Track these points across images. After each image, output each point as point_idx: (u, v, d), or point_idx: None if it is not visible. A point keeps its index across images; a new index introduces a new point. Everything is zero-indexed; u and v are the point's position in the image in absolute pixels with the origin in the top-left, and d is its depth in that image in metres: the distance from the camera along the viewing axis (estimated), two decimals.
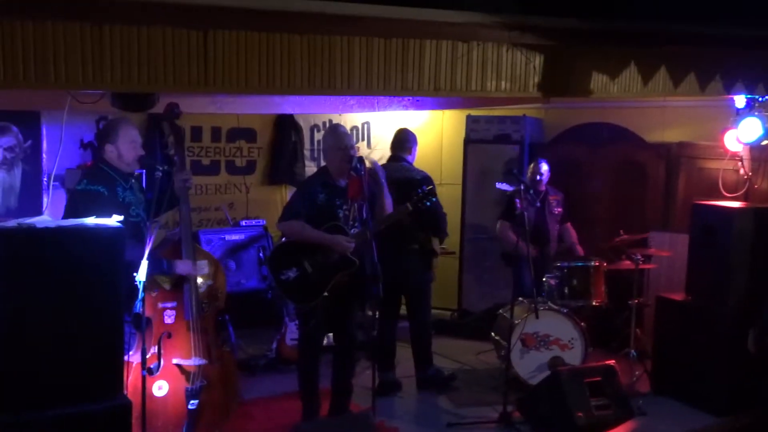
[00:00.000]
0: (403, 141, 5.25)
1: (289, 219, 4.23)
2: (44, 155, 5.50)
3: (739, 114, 5.33)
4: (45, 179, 5.49)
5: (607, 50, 4.21)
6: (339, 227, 4.22)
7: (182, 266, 3.93)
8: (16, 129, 5.44)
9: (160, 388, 3.89)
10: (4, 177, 5.44)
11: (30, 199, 5.47)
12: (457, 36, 3.69)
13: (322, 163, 4.94)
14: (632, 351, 5.15)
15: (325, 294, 4.17)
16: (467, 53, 3.71)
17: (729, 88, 4.75)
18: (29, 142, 5.49)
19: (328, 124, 6.96)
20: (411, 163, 5.24)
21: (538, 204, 5.77)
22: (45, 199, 5.50)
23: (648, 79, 4.31)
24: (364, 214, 4.07)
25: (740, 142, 5.39)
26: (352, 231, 4.25)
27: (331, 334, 4.70)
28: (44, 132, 5.50)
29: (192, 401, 3.91)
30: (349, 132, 4.52)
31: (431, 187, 4.46)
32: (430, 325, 5.41)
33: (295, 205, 4.28)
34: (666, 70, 4.36)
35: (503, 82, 3.90)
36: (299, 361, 4.48)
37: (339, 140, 4.27)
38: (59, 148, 5.13)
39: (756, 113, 5.21)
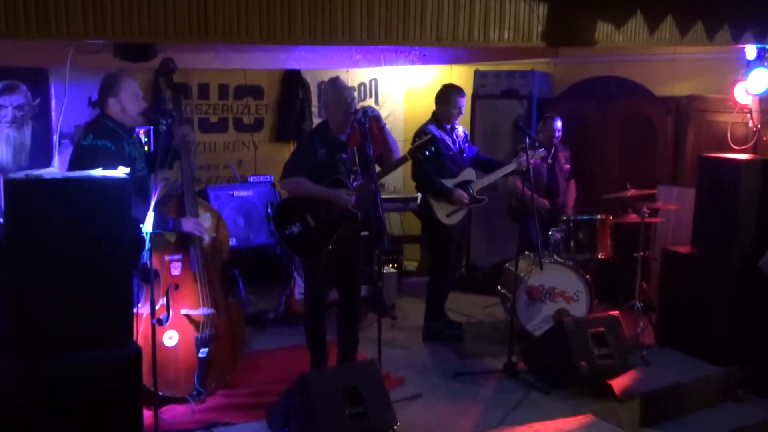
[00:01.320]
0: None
1: (290, 176, 4.25)
2: (53, 113, 5.55)
3: (750, 66, 5.27)
4: (55, 137, 5.55)
5: None
6: (340, 181, 4.25)
7: (187, 224, 3.99)
8: (25, 87, 5.47)
9: (170, 338, 4.00)
10: (15, 135, 5.49)
11: (41, 157, 5.53)
12: None
13: None
14: (637, 303, 5.18)
15: (329, 247, 4.22)
16: (469, 3, 3.68)
17: (738, 38, 4.68)
18: (38, 100, 5.53)
19: None
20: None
21: (550, 161, 5.76)
22: (56, 157, 5.56)
23: (654, 29, 4.25)
24: (362, 168, 4.09)
25: (749, 93, 5.33)
26: (353, 184, 4.28)
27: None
28: (53, 90, 5.53)
29: (202, 350, 4.02)
30: (348, 86, 4.51)
31: (429, 137, 4.45)
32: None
33: (296, 161, 4.30)
34: (672, 18, 4.29)
35: (506, 32, 3.86)
36: (305, 313, 4.56)
37: (339, 93, 4.26)
38: (64, 103, 5.16)
39: (766, 63, 5.14)
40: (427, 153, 4.38)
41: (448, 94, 5.21)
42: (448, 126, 5.21)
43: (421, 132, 5.07)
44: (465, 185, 5.18)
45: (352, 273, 4.46)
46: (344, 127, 4.29)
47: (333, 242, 4.23)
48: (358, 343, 4.56)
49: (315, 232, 4.25)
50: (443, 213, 5.16)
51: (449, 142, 5.20)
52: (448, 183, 5.14)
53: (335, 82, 4.42)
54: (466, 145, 5.38)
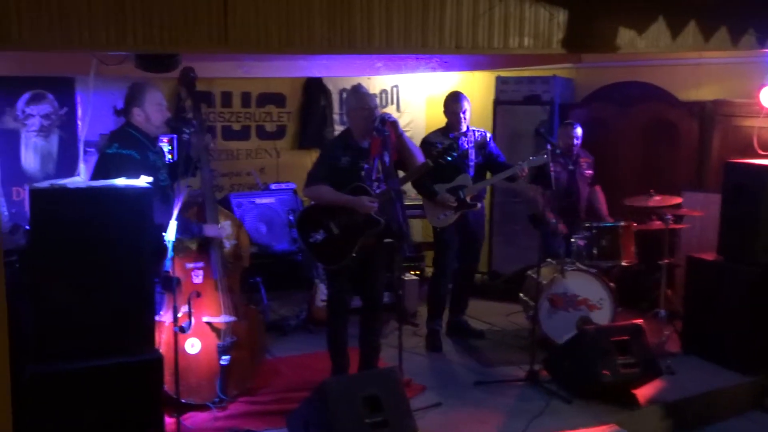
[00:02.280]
0: None
1: (313, 184, 4.27)
2: (79, 122, 5.63)
3: None
4: (80, 145, 5.63)
5: (634, 4, 4.09)
6: (362, 188, 4.25)
7: (209, 229, 4.02)
8: (52, 96, 5.57)
9: (192, 345, 4.02)
10: (42, 144, 5.59)
11: (67, 165, 5.62)
12: None
13: None
14: (662, 311, 5.10)
15: (353, 254, 4.22)
16: (489, 10, 3.66)
17: (763, 42, 4.59)
18: (65, 109, 5.62)
19: None
20: None
21: (571, 167, 5.71)
22: (81, 165, 5.64)
23: (677, 34, 4.18)
24: (384, 174, 4.10)
25: None
26: (376, 191, 4.28)
27: (358, 296, 4.78)
28: (78, 99, 5.62)
29: (224, 357, 4.03)
30: (370, 93, 4.52)
31: (450, 142, 4.48)
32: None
33: (318, 169, 4.31)
34: (696, 23, 4.22)
35: (526, 39, 3.83)
36: (328, 320, 4.55)
37: (361, 101, 4.27)
38: (89, 112, 5.24)
39: None
40: (449, 158, 4.39)
41: (445, 102, 5.32)
42: (454, 133, 5.19)
43: (423, 142, 5.17)
44: (457, 190, 5.13)
45: (374, 280, 4.45)
46: (366, 134, 4.28)
47: (357, 249, 4.23)
48: (380, 350, 4.55)
49: (338, 240, 4.25)
50: (433, 216, 5.24)
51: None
52: (441, 187, 5.13)
53: (357, 89, 4.43)
54: (483, 150, 5.27)
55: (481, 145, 5.28)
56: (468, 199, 5.14)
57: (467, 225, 5.27)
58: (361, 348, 4.51)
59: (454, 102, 5.23)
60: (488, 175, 5.35)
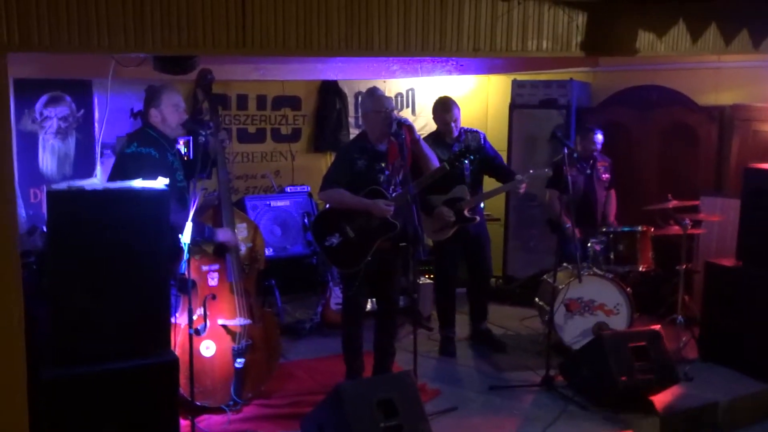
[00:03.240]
0: None
1: (329, 187, 4.26)
2: (96, 124, 5.66)
3: None
4: (97, 147, 5.65)
5: (654, 6, 4.04)
6: (378, 191, 4.24)
7: (223, 234, 4.02)
8: (69, 98, 5.59)
9: (207, 348, 4.02)
10: (60, 146, 5.62)
11: (84, 167, 5.64)
12: None
13: None
14: (680, 317, 5.05)
15: (369, 258, 4.21)
16: (507, 12, 3.63)
17: None
18: (82, 111, 5.65)
19: None
20: None
21: (588, 171, 5.66)
22: (98, 167, 5.66)
23: (697, 37, 4.14)
24: (401, 177, 4.09)
25: None
26: (392, 195, 4.26)
27: (373, 299, 4.77)
28: (96, 101, 5.64)
29: (239, 360, 4.03)
30: (386, 95, 4.53)
31: (467, 145, 4.45)
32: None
33: (334, 173, 4.30)
34: (716, 26, 4.18)
35: (544, 42, 3.81)
36: (343, 323, 4.54)
37: (377, 103, 4.26)
38: (106, 115, 5.27)
39: None
40: (466, 161, 4.36)
41: (433, 108, 5.18)
42: (449, 139, 5.04)
43: None
44: (454, 203, 4.95)
45: (390, 284, 4.44)
46: (383, 137, 4.27)
47: (372, 253, 4.21)
48: (395, 354, 4.53)
49: (354, 243, 4.24)
50: (429, 229, 5.00)
51: (443, 157, 4.78)
52: (436, 200, 4.96)
53: (373, 92, 4.41)
54: (477, 156, 5.03)
55: (476, 150, 5.04)
56: (466, 212, 4.97)
57: (467, 232, 5.09)
58: (376, 352, 4.50)
59: (443, 111, 5.06)
60: (485, 179, 5.22)
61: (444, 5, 3.52)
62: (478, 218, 5.06)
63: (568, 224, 5.08)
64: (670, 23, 4.09)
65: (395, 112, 4.31)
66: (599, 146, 5.60)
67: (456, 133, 5.06)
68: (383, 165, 4.29)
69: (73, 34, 2.73)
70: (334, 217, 4.29)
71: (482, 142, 5.16)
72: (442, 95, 5.33)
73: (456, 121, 5.03)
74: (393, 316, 4.54)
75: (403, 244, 4.29)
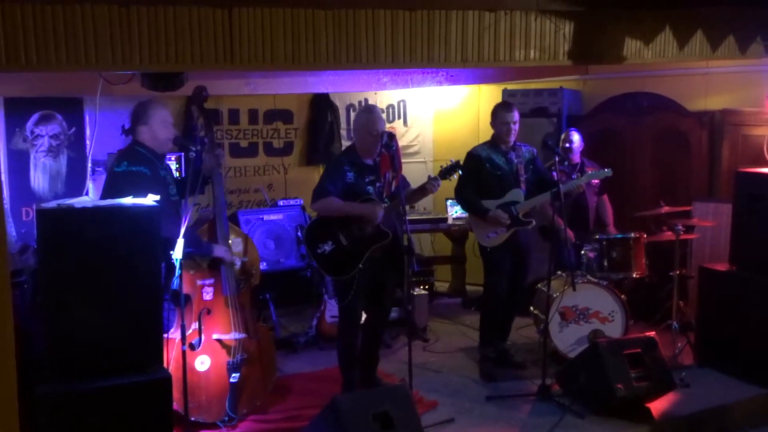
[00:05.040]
0: None
1: (323, 197, 4.28)
2: (88, 141, 5.66)
3: None
4: (89, 165, 5.65)
5: (640, 14, 4.08)
6: (371, 200, 4.29)
7: (219, 250, 4.01)
8: (61, 116, 5.60)
9: (202, 363, 4.00)
10: (51, 164, 5.62)
11: (76, 185, 5.64)
12: (483, 6, 3.64)
13: None
14: (675, 323, 5.05)
15: (360, 266, 4.23)
16: (494, 23, 3.66)
17: None
18: (73, 129, 5.65)
19: (363, 103, 6.97)
20: None
21: (575, 176, 5.67)
22: (89, 184, 5.66)
23: (684, 43, 4.18)
24: (393, 188, 4.13)
25: None
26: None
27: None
28: (87, 119, 5.66)
29: (234, 374, 4.01)
30: (382, 115, 4.65)
31: (454, 162, 4.44)
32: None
33: (326, 183, 4.33)
34: (702, 32, 4.22)
35: (532, 51, 3.83)
36: (339, 334, 4.54)
37: (372, 124, 4.28)
38: (95, 132, 5.28)
39: None
40: (455, 177, 4.38)
41: (493, 111, 4.99)
42: (504, 145, 4.95)
43: (469, 156, 4.98)
44: (508, 206, 4.89)
45: (383, 293, 4.46)
46: (371, 153, 4.36)
47: (364, 261, 4.24)
48: (378, 362, 4.62)
49: (347, 251, 4.27)
50: (482, 234, 4.95)
51: (499, 162, 4.92)
52: (490, 203, 4.89)
53: (372, 110, 4.48)
54: (531, 167, 5.03)
55: (530, 161, 5.04)
56: (521, 215, 4.90)
57: (518, 243, 4.98)
58: (362, 359, 4.53)
59: (502, 110, 4.92)
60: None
61: (431, 17, 3.54)
62: (533, 222, 4.96)
63: (563, 228, 5.05)
64: (656, 30, 4.13)
65: (387, 126, 4.34)
66: (575, 145, 5.61)
67: (512, 140, 4.95)
68: (372, 177, 4.36)
69: (60, 52, 2.75)
70: (327, 226, 4.33)
71: (534, 155, 5.10)
72: (501, 101, 5.24)
73: (515, 123, 4.89)
74: (384, 324, 4.57)
75: (395, 254, 4.32)
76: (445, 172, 4.41)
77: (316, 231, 4.39)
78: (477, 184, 4.92)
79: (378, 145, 4.27)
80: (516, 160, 4.97)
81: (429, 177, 4.38)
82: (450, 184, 4.70)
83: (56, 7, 2.73)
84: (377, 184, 4.37)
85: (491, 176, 4.92)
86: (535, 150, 5.13)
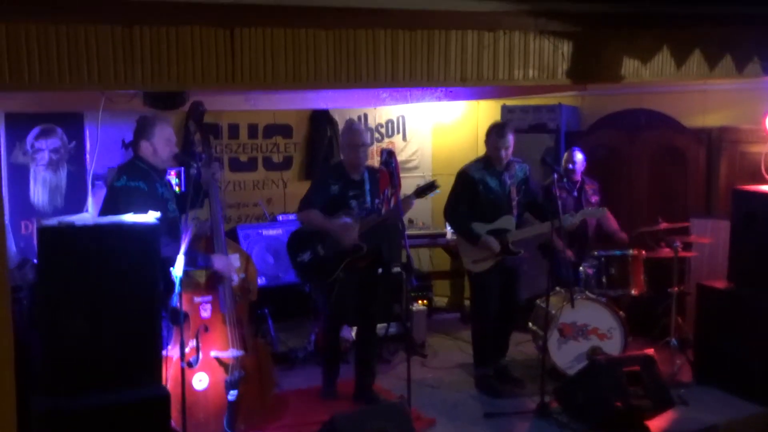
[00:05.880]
0: None
1: (305, 209, 4.55)
2: (88, 156, 5.68)
3: None
4: (89, 179, 5.66)
5: (638, 34, 4.11)
6: (350, 214, 4.48)
7: (218, 261, 4.02)
8: (61, 130, 5.62)
9: (200, 380, 3.99)
10: (51, 177, 5.63)
11: (76, 199, 5.66)
12: (482, 25, 3.67)
13: None
14: (673, 340, 5.07)
15: (341, 275, 4.46)
16: (494, 42, 3.70)
17: None
18: (73, 143, 5.67)
19: (363, 118, 7.01)
20: None
21: (575, 194, 5.70)
22: (90, 199, 5.67)
23: (681, 63, 4.21)
24: (393, 204, 4.19)
25: None
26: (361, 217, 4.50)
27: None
28: (87, 133, 5.68)
29: (231, 392, 4.00)
30: (362, 129, 4.75)
31: (431, 181, 4.53)
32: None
33: (310, 196, 4.57)
34: (700, 52, 4.25)
35: (531, 71, 3.87)
36: (322, 327, 4.85)
37: (353, 138, 4.52)
38: (97, 147, 5.30)
39: None
40: (431, 195, 4.48)
41: (487, 132, 4.89)
42: (498, 165, 4.85)
43: (461, 174, 4.93)
44: (500, 233, 4.82)
45: (369, 302, 4.65)
46: (356, 167, 4.55)
47: (342, 270, 4.47)
48: (375, 374, 4.74)
49: (324, 261, 4.52)
50: (469, 259, 4.92)
51: (493, 184, 4.85)
52: (480, 227, 4.84)
53: (351, 125, 4.69)
54: (523, 187, 4.96)
55: (523, 181, 4.97)
56: (510, 244, 4.82)
57: (506, 263, 4.93)
58: (357, 365, 4.73)
59: (498, 136, 4.78)
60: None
61: (430, 36, 3.57)
62: (522, 251, 4.90)
63: (562, 248, 5.05)
64: (654, 50, 4.16)
65: (386, 141, 4.41)
66: (578, 165, 5.63)
67: (505, 162, 4.86)
68: (357, 192, 4.54)
69: (63, 72, 2.77)
70: (307, 236, 4.58)
71: (527, 174, 5.01)
72: (497, 120, 5.08)
73: (508, 148, 4.79)
74: (372, 329, 4.75)
75: (396, 270, 4.41)
76: (420, 192, 4.47)
77: (297, 241, 4.65)
78: (467, 205, 4.87)
79: (362, 157, 4.50)
80: (509, 182, 4.88)
81: (404, 195, 4.49)
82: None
83: (59, 26, 2.75)
84: (360, 199, 4.55)
85: (483, 199, 4.85)
86: (528, 168, 5.04)
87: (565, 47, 3.92)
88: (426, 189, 4.44)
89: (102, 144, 5.49)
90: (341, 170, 4.59)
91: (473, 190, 4.84)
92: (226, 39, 3.09)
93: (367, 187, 4.58)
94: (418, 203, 4.71)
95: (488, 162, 4.91)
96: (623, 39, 4.12)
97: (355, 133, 4.55)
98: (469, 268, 4.98)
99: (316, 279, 4.65)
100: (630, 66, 4.17)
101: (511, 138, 4.81)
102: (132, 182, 3.88)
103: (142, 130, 4.00)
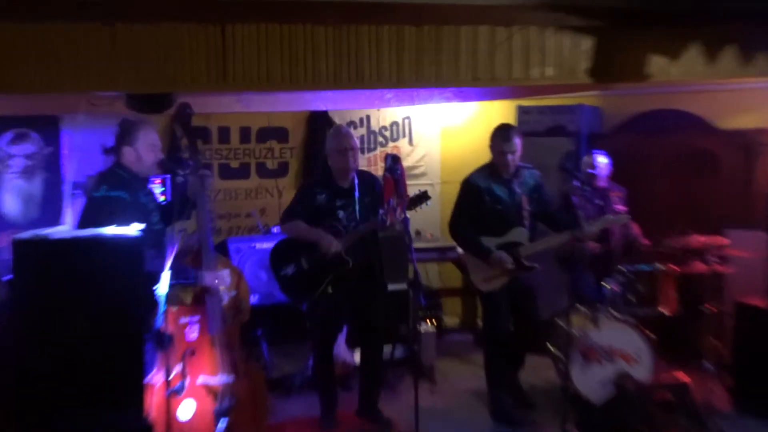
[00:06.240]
0: None
1: (289, 219, 4.61)
2: (65, 162, 5.71)
3: None
4: (66, 187, 5.69)
5: (665, 29, 4.13)
6: (335, 228, 4.53)
7: (208, 278, 4.02)
8: (36, 135, 5.66)
9: (186, 409, 3.98)
10: (24, 185, 5.66)
11: (51, 209, 5.69)
12: (496, 20, 3.69)
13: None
14: (708, 364, 5.05)
15: (329, 290, 4.53)
16: (507, 39, 3.71)
17: None
18: (49, 149, 5.70)
19: (365, 120, 7.04)
20: None
21: (598, 201, 5.68)
22: (67, 208, 5.70)
23: (713, 60, 4.22)
24: (398, 215, 4.20)
25: None
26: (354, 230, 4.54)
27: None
28: (64, 138, 5.71)
29: (221, 422, 3.99)
30: (351, 133, 4.77)
31: (423, 191, 4.45)
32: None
33: (294, 205, 4.66)
34: (734, 48, 4.26)
35: (549, 69, 3.88)
36: (314, 346, 4.85)
37: (340, 141, 4.55)
38: (75, 153, 5.33)
39: None
40: (422, 207, 4.42)
41: (491, 136, 4.88)
42: (506, 173, 4.85)
43: (465, 184, 4.93)
44: (511, 247, 4.83)
45: (368, 314, 4.70)
46: (344, 175, 4.60)
47: (328, 285, 4.54)
48: (382, 383, 4.90)
49: (308, 275, 4.57)
50: (479, 277, 4.91)
51: (501, 193, 4.84)
52: (490, 242, 4.83)
53: (338, 130, 4.76)
54: (535, 195, 4.95)
55: (534, 189, 4.95)
56: (523, 258, 4.82)
57: (518, 279, 4.93)
58: (361, 375, 4.85)
59: (502, 140, 4.78)
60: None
61: (439, 32, 3.60)
62: (537, 266, 4.89)
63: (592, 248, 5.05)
64: (683, 47, 4.17)
65: (390, 146, 4.44)
66: (600, 170, 5.64)
67: (511, 169, 4.85)
68: (345, 202, 4.59)
69: (39, 75, 2.80)
70: (292, 248, 4.65)
71: (539, 181, 4.99)
72: (502, 122, 5.03)
73: (515, 153, 4.79)
74: (375, 352, 4.80)
75: (400, 287, 4.46)
76: (411, 203, 4.45)
77: (280, 253, 4.71)
78: (474, 218, 4.86)
79: (351, 162, 4.55)
80: (519, 190, 4.87)
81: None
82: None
83: (34, 26, 2.78)
84: (348, 209, 4.60)
85: (491, 210, 4.83)
86: (539, 174, 5.02)
87: (586, 44, 3.94)
88: (417, 200, 4.41)
89: (81, 150, 5.52)
90: (328, 178, 4.64)
91: (478, 200, 4.83)
92: (217, 37, 3.12)
93: (356, 195, 4.62)
94: (424, 213, 4.72)
95: (494, 169, 4.89)
96: (649, 35, 4.13)
97: (343, 137, 4.59)
98: (479, 287, 4.98)
99: (300, 295, 4.71)
100: (656, 64, 4.19)
101: (518, 141, 4.80)
102: (113, 192, 3.90)
103: (125, 135, 4.02)
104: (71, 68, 2.87)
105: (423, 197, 4.43)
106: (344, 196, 4.61)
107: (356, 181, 4.65)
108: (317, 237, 4.52)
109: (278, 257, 4.71)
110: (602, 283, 5.33)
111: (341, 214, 4.59)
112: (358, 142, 4.67)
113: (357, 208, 4.61)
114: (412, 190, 5.27)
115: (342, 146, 4.54)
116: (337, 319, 4.73)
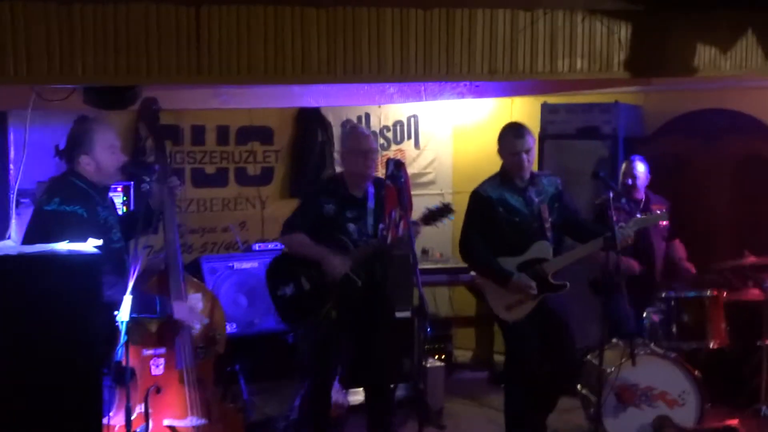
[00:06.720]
0: None
1: (290, 232, 4.62)
2: (12, 166, 5.72)
3: None
4: (12, 195, 5.69)
5: (715, 16, 4.15)
6: (343, 244, 4.53)
7: (179, 310, 4.01)
8: None
9: None
10: None
11: None
12: (517, 3, 3.71)
13: None
14: (764, 408, 5.05)
15: (333, 315, 4.52)
16: (531, 25, 3.73)
17: None
18: None
19: (364, 119, 7.07)
20: None
21: (639, 215, 5.69)
22: (13, 221, 5.70)
23: None
24: (401, 231, 4.21)
25: None
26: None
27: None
28: (12, 137, 5.72)
29: None
30: (369, 133, 4.79)
31: (445, 203, 4.53)
32: None
33: (297, 216, 4.66)
34: None
35: (579, 60, 3.90)
36: (309, 381, 4.84)
37: (359, 143, 4.55)
38: (24, 155, 5.33)
39: None
40: (444, 222, 4.48)
41: (500, 136, 4.89)
42: (520, 180, 4.86)
43: (474, 194, 4.91)
44: (534, 265, 4.82)
45: (376, 352, 4.70)
46: (359, 181, 4.60)
47: (331, 309, 4.53)
48: None
49: (308, 297, 4.59)
50: (499, 304, 4.87)
51: (516, 203, 4.83)
52: (508, 262, 4.81)
53: (355, 128, 4.84)
54: (556, 204, 4.93)
55: (554, 197, 4.94)
56: (550, 277, 4.79)
57: (550, 306, 4.87)
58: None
59: (514, 137, 4.78)
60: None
61: (451, 17, 3.61)
62: (567, 285, 4.84)
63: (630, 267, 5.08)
64: (736, 36, 4.19)
65: (393, 149, 4.46)
66: (640, 179, 5.66)
67: (526, 173, 4.86)
68: (357, 214, 4.59)
69: None
70: (292, 265, 4.64)
71: (560, 188, 5.00)
72: (511, 121, 5.07)
73: (530, 152, 4.80)
74: (384, 392, 4.82)
75: (404, 315, 4.42)
76: (430, 217, 4.48)
77: (278, 270, 4.72)
78: (487, 235, 4.84)
79: (370, 167, 4.55)
80: (537, 199, 4.85)
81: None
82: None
83: None
84: (359, 221, 4.60)
85: (507, 224, 4.81)
86: (559, 181, 5.03)
87: (623, 32, 3.95)
88: (438, 213, 4.45)
89: (31, 151, 5.51)
90: (339, 185, 4.64)
91: (491, 213, 4.80)
92: (191, 20, 3.13)
93: (370, 206, 4.62)
94: (430, 230, 4.73)
95: (506, 177, 4.89)
96: (696, 22, 4.15)
97: (360, 137, 4.59)
98: (501, 317, 4.93)
99: (299, 318, 4.72)
100: (705, 56, 4.20)
101: (531, 140, 4.81)
102: (66, 206, 3.88)
103: (79, 140, 3.96)
104: (19, 56, 2.87)
105: (445, 210, 4.47)
106: (356, 207, 4.60)
107: (371, 189, 4.64)
108: (320, 257, 4.51)
109: (275, 274, 4.72)
110: (642, 312, 5.34)
111: (351, 227, 4.58)
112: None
113: (370, 221, 4.61)
114: (418, 202, 5.30)
115: (363, 148, 4.54)
116: (339, 349, 4.72)
